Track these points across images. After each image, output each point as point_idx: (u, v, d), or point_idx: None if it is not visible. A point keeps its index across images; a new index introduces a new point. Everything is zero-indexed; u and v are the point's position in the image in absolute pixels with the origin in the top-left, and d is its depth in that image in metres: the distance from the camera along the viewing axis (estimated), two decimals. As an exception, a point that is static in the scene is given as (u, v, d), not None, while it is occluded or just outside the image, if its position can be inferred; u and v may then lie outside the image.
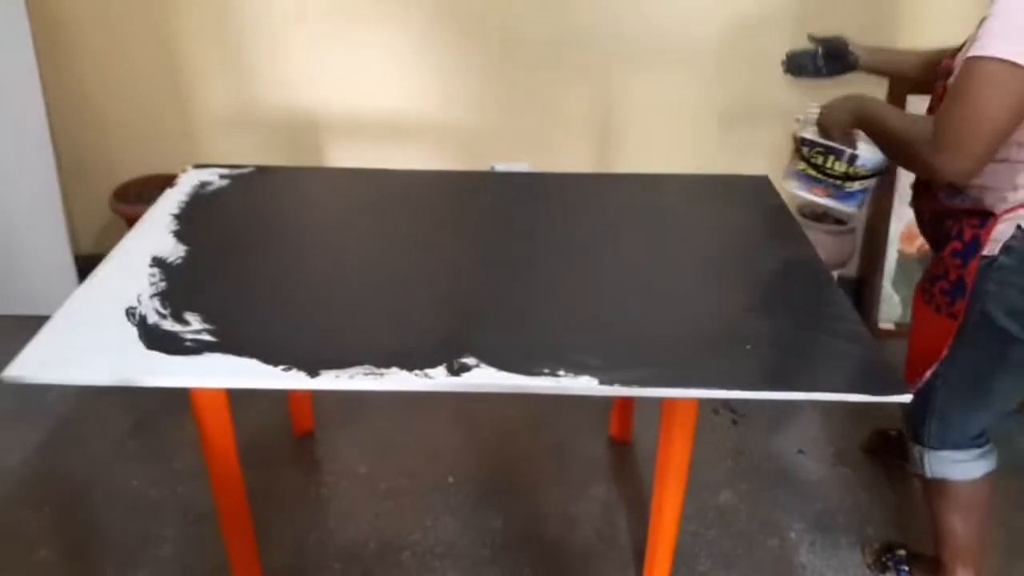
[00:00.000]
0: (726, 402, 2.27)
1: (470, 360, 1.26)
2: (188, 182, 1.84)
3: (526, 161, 2.65)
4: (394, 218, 1.73)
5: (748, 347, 1.29)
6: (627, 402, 2.08)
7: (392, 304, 1.42)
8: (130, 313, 1.37)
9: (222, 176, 1.87)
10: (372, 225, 1.70)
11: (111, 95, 2.58)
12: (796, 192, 1.61)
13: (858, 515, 1.92)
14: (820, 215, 2.60)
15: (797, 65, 1.73)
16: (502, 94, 2.55)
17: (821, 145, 1.53)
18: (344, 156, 2.66)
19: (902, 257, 2.58)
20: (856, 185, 1.55)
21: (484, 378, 1.23)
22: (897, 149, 1.36)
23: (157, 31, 2.48)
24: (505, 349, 1.28)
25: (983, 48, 1.18)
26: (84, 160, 2.65)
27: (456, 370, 1.24)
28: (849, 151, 1.51)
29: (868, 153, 1.50)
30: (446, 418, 2.20)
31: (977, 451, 1.54)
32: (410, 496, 1.95)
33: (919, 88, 2.07)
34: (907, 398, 1.21)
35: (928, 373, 1.48)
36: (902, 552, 1.77)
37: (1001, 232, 1.34)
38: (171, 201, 1.76)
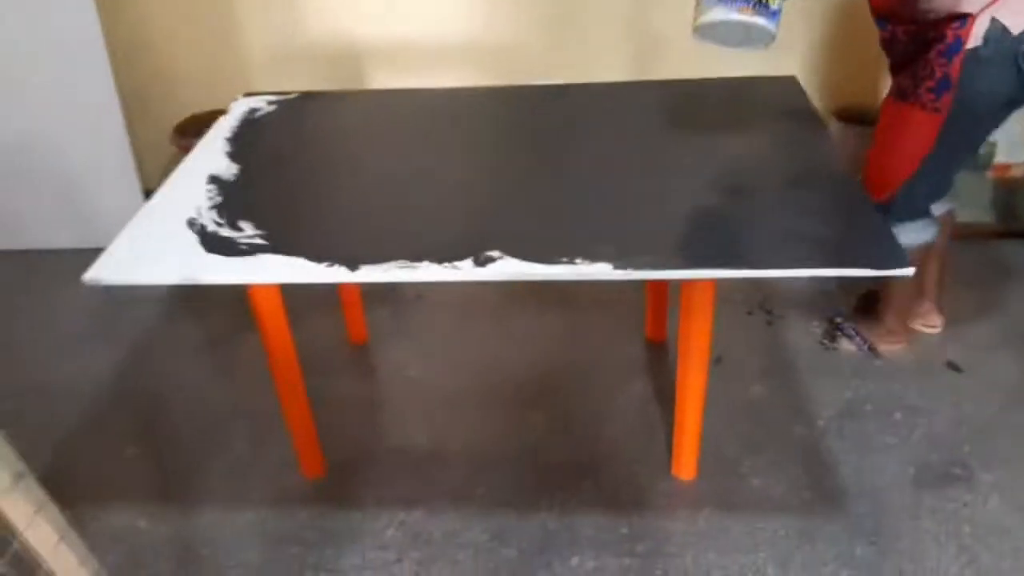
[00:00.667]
0: (761, 303, 2.33)
1: (494, 253, 1.37)
2: (239, 109, 1.98)
3: (561, 77, 2.69)
4: (428, 132, 1.83)
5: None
6: (660, 303, 2.16)
7: (424, 208, 1.54)
8: (191, 223, 1.51)
9: (270, 103, 2.00)
10: (407, 139, 1.81)
11: (169, 36, 2.73)
12: (717, 18, 1.44)
13: (889, 402, 1.98)
14: (849, 117, 2.58)
15: None
16: (543, 13, 2.59)
17: None
18: (389, 81, 2.76)
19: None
20: (777, 2, 1.44)
21: (507, 267, 1.34)
22: None
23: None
24: (527, 242, 1.38)
25: None
26: (147, 99, 2.83)
27: (482, 261, 1.35)
28: None
29: None
30: (490, 327, 2.33)
31: (928, 219, 1.92)
32: (458, 397, 2.10)
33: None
34: (911, 271, 1.27)
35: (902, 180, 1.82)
36: (840, 320, 2.20)
37: (979, 26, 1.60)
38: (224, 127, 1.90)
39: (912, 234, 1.89)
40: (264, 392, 1.95)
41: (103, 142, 2.67)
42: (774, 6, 1.43)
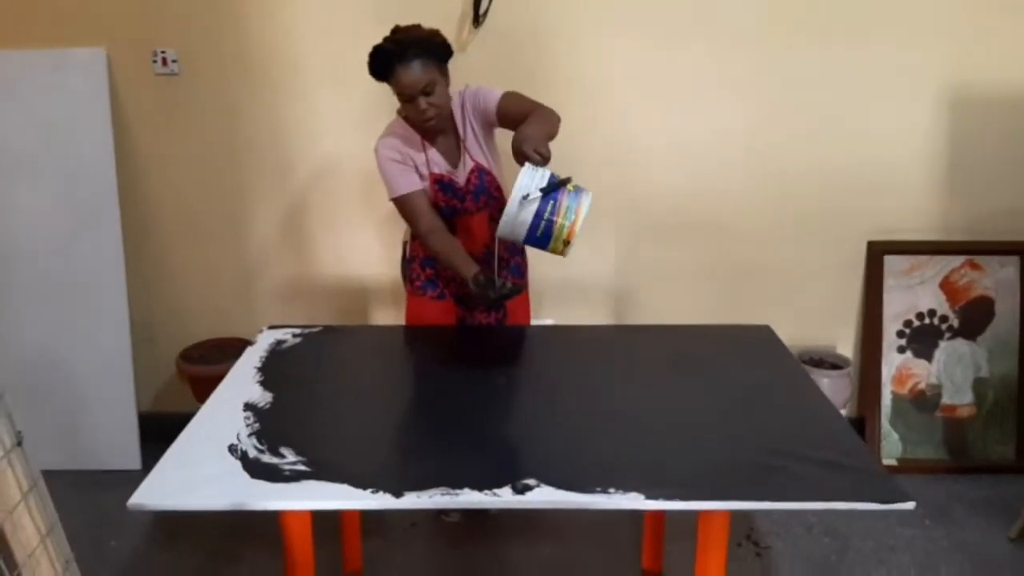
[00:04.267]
0: (748, 535, 2.42)
1: (531, 481, 1.46)
2: (265, 341, 2.11)
3: (550, 318, 2.94)
4: (450, 365, 1.98)
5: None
6: (657, 534, 2.23)
7: (458, 437, 1.64)
8: (232, 449, 1.58)
9: (295, 335, 2.14)
10: (436, 372, 1.95)
11: (184, 269, 2.91)
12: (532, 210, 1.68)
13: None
14: (817, 361, 2.86)
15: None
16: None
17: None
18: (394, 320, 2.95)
19: (896, 398, 2.82)
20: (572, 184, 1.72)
21: (545, 495, 1.43)
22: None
23: (231, 217, 2.86)
24: (562, 472, 1.49)
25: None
26: (152, 324, 2.94)
27: (519, 489, 1.45)
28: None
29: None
30: (484, 558, 2.34)
31: None
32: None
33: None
34: (910, 505, 1.41)
35: None
36: None
37: None
38: (253, 356, 2.01)
39: None
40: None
41: (106, 362, 2.75)
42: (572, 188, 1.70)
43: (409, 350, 2.10)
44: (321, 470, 1.51)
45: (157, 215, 2.85)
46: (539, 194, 1.68)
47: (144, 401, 2.98)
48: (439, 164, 2.09)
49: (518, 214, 1.68)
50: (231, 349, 2.61)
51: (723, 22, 2.63)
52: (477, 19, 2.57)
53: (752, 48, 2.65)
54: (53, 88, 2.63)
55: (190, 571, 2.30)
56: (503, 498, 1.42)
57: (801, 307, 2.92)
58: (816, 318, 2.94)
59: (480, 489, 1.44)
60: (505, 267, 2.27)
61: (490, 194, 2.15)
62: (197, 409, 1.74)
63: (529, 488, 1.45)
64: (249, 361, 1.99)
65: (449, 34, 2.60)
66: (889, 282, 2.81)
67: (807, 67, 2.66)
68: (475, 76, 2.63)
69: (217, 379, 1.89)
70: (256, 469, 1.51)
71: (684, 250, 2.87)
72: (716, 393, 1.82)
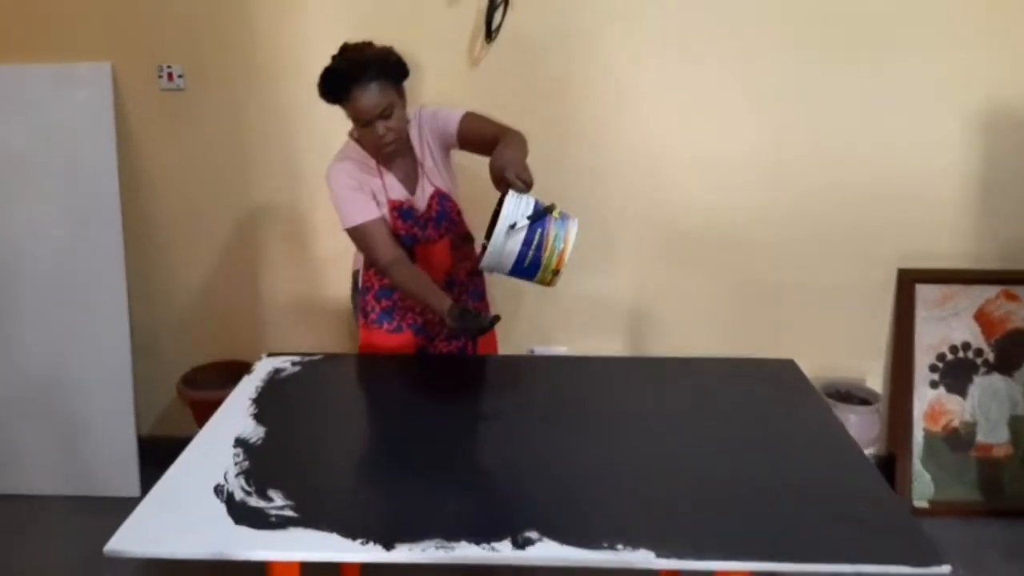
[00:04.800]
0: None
1: (533, 534, 1.36)
2: (263, 369, 2.02)
3: (563, 344, 2.84)
4: (451, 399, 1.88)
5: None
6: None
7: (455, 481, 1.54)
8: (218, 490, 1.49)
9: (294, 363, 2.05)
10: (437, 406, 1.85)
11: (189, 286, 2.84)
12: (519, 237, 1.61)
13: None
14: (845, 395, 2.73)
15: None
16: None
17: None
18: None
19: (928, 436, 2.68)
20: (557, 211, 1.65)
21: (547, 551, 1.32)
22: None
23: (237, 233, 2.79)
24: (565, 524, 1.38)
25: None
26: (153, 344, 2.88)
27: (520, 543, 1.34)
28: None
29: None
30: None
31: None
32: None
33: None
34: (945, 569, 1.29)
35: None
36: None
37: None
38: (249, 386, 1.93)
39: None
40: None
41: (106, 384, 2.69)
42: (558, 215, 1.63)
43: (409, 381, 2.00)
44: (309, 516, 1.42)
45: (161, 230, 2.79)
46: (526, 222, 1.59)
47: (145, 424, 2.91)
48: (396, 190, 1.98)
49: (504, 244, 1.59)
50: (234, 372, 2.53)
51: (745, 34, 2.52)
52: (490, 34, 2.49)
53: (776, 60, 2.55)
54: (58, 102, 2.58)
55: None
56: (502, 553, 1.32)
57: (827, 334, 2.79)
58: (843, 347, 2.81)
59: (478, 541, 1.34)
60: (464, 291, 2.16)
61: (452, 220, 2.04)
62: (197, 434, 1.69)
63: (530, 542, 1.34)
64: (244, 391, 1.91)
65: (462, 48, 2.54)
66: (921, 313, 2.68)
67: (834, 80, 2.55)
68: (488, 91, 2.57)
69: (218, 404, 1.83)
70: (241, 514, 1.42)
71: (704, 271, 2.76)
72: (736, 436, 1.71)
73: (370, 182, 1.96)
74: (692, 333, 2.80)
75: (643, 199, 2.69)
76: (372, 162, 1.96)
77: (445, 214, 2.02)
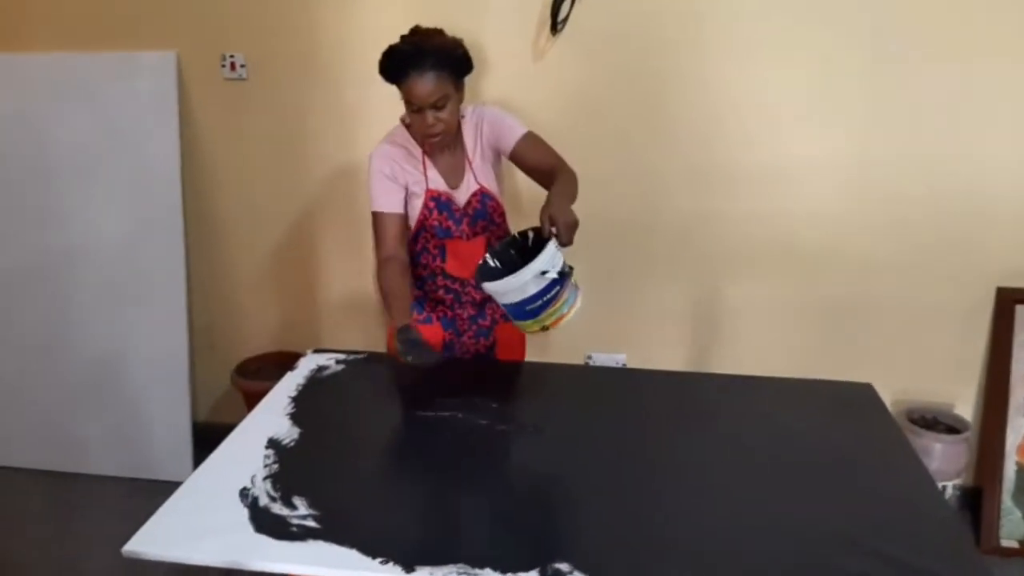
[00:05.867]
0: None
1: (563, 566, 1.26)
2: (307, 366, 1.98)
3: (623, 352, 2.71)
4: (494, 409, 1.78)
5: None
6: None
7: (487, 502, 1.45)
8: (243, 494, 1.45)
9: (338, 361, 2.00)
10: (471, 415, 1.76)
11: (247, 277, 2.84)
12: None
13: None
14: (930, 421, 2.51)
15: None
16: (600, 283, 2.67)
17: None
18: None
19: (1021, 470, 2.43)
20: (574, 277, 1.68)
21: (577, 587, 1.22)
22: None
23: (296, 225, 2.77)
24: (599, 556, 1.27)
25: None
26: (214, 332, 2.90)
27: (549, 574, 1.24)
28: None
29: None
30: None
31: None
32: None
33: None
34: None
35: None
36: None
37: None
38: (290, 383, 1.89)
39: None
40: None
41: (163, 371, 2.72)
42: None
43: (452, 387, 1.92)
44: (331, 528, 1.35)
45: (220, 221, 2.79)
46: (553, 276, 1.61)
47: (201, 411, 2.94)
48: (437, 181, 1.92)
49: (525, 284, 1.59)
50: (286, 364, 2.51)
51: (827, 31, 2.33)
52: (555, 26, 2.38)
53: (859, 59, 2.35)
54: (123, 91, 2.60)
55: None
56: (528, 586, 1.23)
57: (914, 356, 2.58)
58: (932, 370, 2.59)
59: (503, 570, 1.25)
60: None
61: (491, 220, 1.96)
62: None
63: (560, 575, 1.24)
64: (285, 389, 1.87)
65: (526, 40, 2.44)
66: (1020, 336, 2.43)
67: (925, 81, 2.33)
68: (552, 86, 2.46)
69: (268, 395, 1.81)
70: (263, 521, 1.37)
71: (778, 283, 2.58)
72: (799, 466, 1.56)
73: (410, 171, 1.91)
74: (762, 349, 2.63)
75: (714, 205, 2.53)
76: (418, 151, 1.91)
77: (485, 213, 1.94)
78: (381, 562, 1.27)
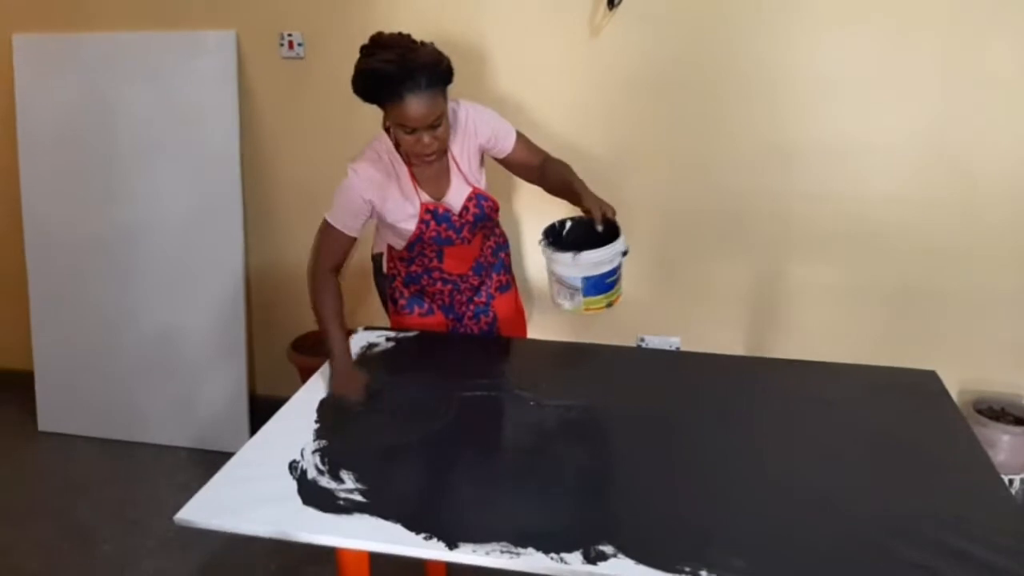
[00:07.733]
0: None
1: (607, 548, 1.24)
2: (357, 343, 2.00)
3: (677, 335, 2.66)
4: (542, 391, 1.77)
5: None
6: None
7: (533, 481, 1.44)
8: (292, 467, 1.47)
9: (388, 339, 2.01)
10: (519, 395, 1.75)
11: (303, 259, 2.85)
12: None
13: None
14: (998, 412, 2.41)
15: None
16: (653, 265, 2.62)
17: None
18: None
19: (1100, 467, 2.31)
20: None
21: (620, 569, 1.20)
22: None
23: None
24: (645, 540, 1.25)
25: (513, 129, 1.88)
26: (273, 308, 2.95)
27: (592, 557, 1.23)
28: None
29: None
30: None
31: None
32: None
33: None
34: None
35: None
36: None
37: None
38: (341, 360, 1.90)
39: None
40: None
41: (222, 344, 2.78)
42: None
43: (501, 368, 1.91)
44: (377, 503, 1.37)
45: (278, 199, 2.83)
46: (622, 258, 1.70)
47: (258, 385, 3.00)
48: (424, 195, 1.85)
49: (614, 257, 1.67)
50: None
51: (900, 3, 2.22)
52: (612, 1, 2.32)
53: (937, 34, 2.23)
54: (184, 70, 2.66)
55: (276, 569, 2.26)
56: (571, 566, 1.22)
57: (982, 344, 2.47)
58: (1000, 359, 2.48)
59: (546, 550, 1.24)
60: (490, 270, 2.07)
61: (489, 218, 1.94)
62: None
63: (604, 557, 1.23)
64: (335, 365, 1.88)
65: (582, 15, 2.39)
66: (1099, 326, 2.31)
67: (1003, 59, 2.21)
68: (609, 62, 2.40)
69: (322, 370, 1.84)
70: (310, 494, 1.39)
71: (839, 265, 2.49)
72: (856, 454, 1.51)
73: (390, 197, 1.83)
74: (822, 334, 2.55)
75: (775, 187, 2.45)
76: (403, 168, 1.82)
77: (483, 215, 1.90)
78: (425, 537, 1.28)
